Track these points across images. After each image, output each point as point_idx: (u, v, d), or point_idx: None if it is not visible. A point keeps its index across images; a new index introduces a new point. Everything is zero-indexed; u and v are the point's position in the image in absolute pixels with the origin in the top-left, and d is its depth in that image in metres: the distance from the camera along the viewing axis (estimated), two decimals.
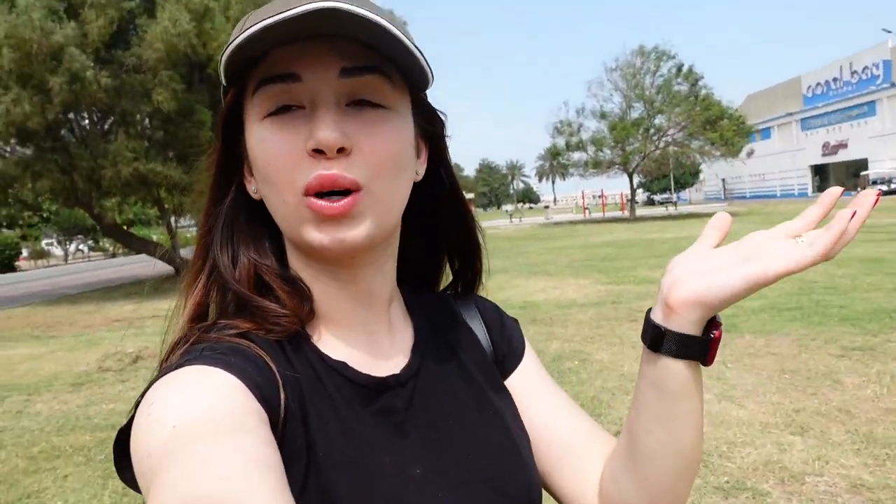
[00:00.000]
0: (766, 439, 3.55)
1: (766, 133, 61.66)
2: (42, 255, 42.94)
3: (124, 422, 0.51)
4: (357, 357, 0.64)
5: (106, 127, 14.48)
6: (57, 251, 47.05)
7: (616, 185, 36.66)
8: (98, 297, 15.46)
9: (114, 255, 44.09)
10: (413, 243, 0.75)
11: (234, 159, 0.64)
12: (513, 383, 0.75)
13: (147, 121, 14.22)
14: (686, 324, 0.58)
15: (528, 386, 0.75)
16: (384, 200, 0.59)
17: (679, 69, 33.14)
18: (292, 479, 0.50)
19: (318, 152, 0.54)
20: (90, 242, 48.63)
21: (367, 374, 0.62)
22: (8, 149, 13.87)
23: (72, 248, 47.43)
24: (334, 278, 0.64)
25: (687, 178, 63.66)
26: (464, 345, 0.73)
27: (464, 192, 0.75)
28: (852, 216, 0.54)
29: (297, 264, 0.65)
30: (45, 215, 33.10)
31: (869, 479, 3.00)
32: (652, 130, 33.40)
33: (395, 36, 0.53)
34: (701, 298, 0.56)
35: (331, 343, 0.64)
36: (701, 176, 68.80)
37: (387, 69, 0.57)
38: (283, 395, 0.54)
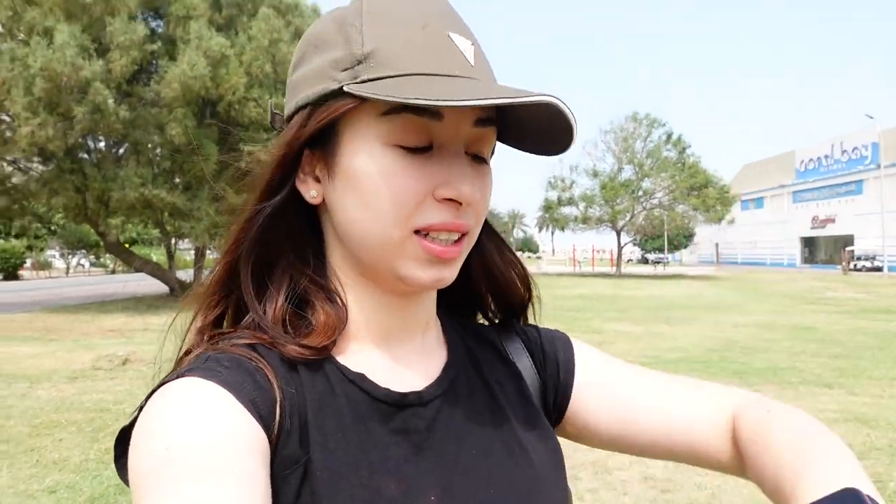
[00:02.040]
0: None
1: (759, 202, 63.37)
2: (45, 266, 44.04)
3: (127, 422, 0.53)
4: (378, 370, 0.61)
5: (120, 153, 15.76)
6: (59, 263, 48.16)
7: (611, 242, 37.96)
8: (95, 308, 16.45)
9: (113, 272, 45.16)
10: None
11: (297, 157, 0.60)
12: (582, 394, 0.73)
13: (157, 150, 15.49)
14: None
15: (598, 390, 0.73)
16: (470, 246, 0.62)
17: (669, 136, 34.90)
18: (285, 495, 0.51)
19: (451, 200, 0.56)
20: (91, 258, 49.76)
21: (386, 389, 0.60)
22: (31, 166, 15.15)
23: (73, 261, 48.56)
24: (381, 302, 0.63)
25: (681, 239, 65.01)
26: (499, 377, 0.70)
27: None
28: None
29: (346, 279, 0.63)
30: (52, 228, 34.38)
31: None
32: (640, 192, 34.91)
33: (574, 133, 0.55)
34: None
35: (351, 354, 0.62)
36: (696, 239, 70.30)
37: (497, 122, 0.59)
38: (278, 412, 0.53)
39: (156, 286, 21.28)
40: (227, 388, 0.51)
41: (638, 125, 35.46)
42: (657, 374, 0.74)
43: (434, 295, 0.68)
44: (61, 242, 44.12)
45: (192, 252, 20.91)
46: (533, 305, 0.78)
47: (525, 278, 0.75)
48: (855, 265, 43.98)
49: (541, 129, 0.58)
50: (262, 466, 0.49)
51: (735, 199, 36.88)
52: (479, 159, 0.60)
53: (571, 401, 0.73)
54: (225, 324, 0.64)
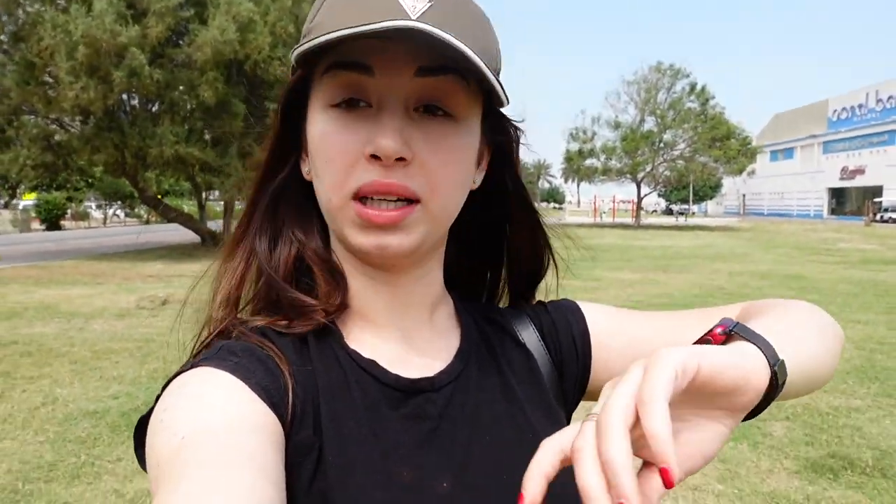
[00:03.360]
0: None
1: (789, 153, 62.54)
2: (83, 216, 45.99)
3: (145, 412, 0.55)
4: (389, 356, 0.62)
5: (153, 110, 16.75)
6: (95, 214, 50.15)
7: (635, 193, 38.30)
8: (133, 256, 17.71)
9: (147, 222, 46.94)
10: (468, 251, 0.74)
11: (294, 136, 0.62)
12: (602, 358, 0.73)
13: (189, 107, 16.43)
14: None
15: (617, 349, 0.73)
16: (436, 216, 0.58)
17: (692, 87, 34.80)
18: (299, 481, 0.53)
19: (376, 158, 0.54)
20: (126, 209, 51.66)
21: (396, 375, 0.61)
22: (71, 124, 16.28)
23: (110, 212, 50.52)
24: (372, 278, 0.63)
25: (707, 190, 64.61)
26: (512, 361, 0.69)
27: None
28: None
29: (339, 253, 0.64)
30: (89, 180, 35.94)
31: None
32: (661, 144, 35.07)
33: (473, 60, 0.50)
34: None
35: (362, 341, 0.63)
36: (722, 190, 69.80)
37: (465, 72, 0.55)
38: (291, 398, 0.54)
39: (188, 235, 22.54)
40: (239, 377, 0.52)
41: (661, 76, 35.44)
42: (666, 314, 0.76)
43: (435, 271, 0.67)
44: (98, 194, 45.97)
45: (222, 204, 22.04)
46: (534, 290, 0.77)
47: (542, 267, 0.75)
48: (881, 216, 43.64)
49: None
50: (276, 452, 0.49)
51: (758, 151, 36.88)
52: (438, 115, 0.57)
53: (593, 368, 0.73)
54: (249, 288, 0.64)
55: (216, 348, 0.57)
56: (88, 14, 12.78)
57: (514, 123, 0.68)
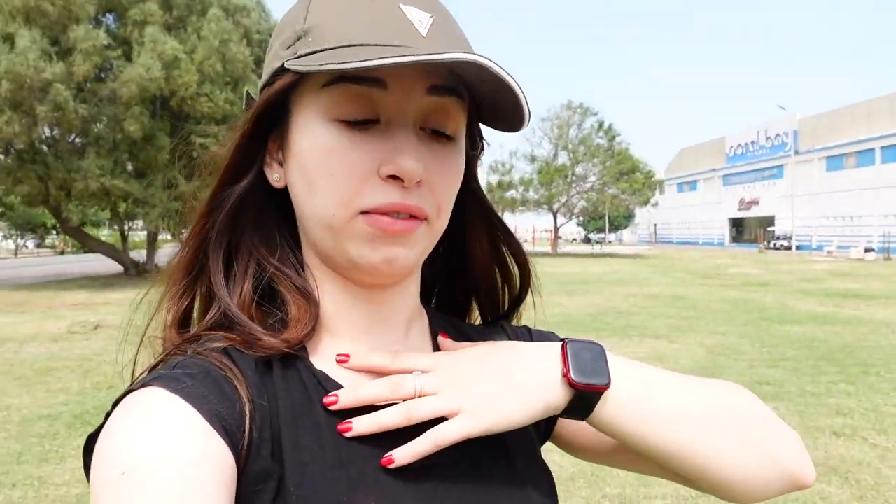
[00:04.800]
0: None
1: (693, 185, 66.82)
2: None
3: (93, 430, 0.52)
4: (358, 377, 0.59)
5: (77, 143, 16.99)
6: (3, 245, 48.13)
7: (561, 223, 40.35)
8: (54, 286, 17.62)
9: (62, 253, 45.48)
10: (441, 263, 0.73)
11: (261, 140, 0.59)
12: None
13: (113, 140, 16.79)
14: None
15: None
16: (435, 235, 0.59)
17: (600, 125, 37.46)
18: None
19: (394, 178, 0.53)
20: (38, 240, 49.86)
21: None
22: None
23: (21, 243, 48.63)
24: (351, 294, 0.61)
25: (620, 220, 68.16)
26: None
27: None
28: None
29: (315, 269, 0.61)
30: (1, 211, 34.81)
31: None
32: (574, 177, 37.42)
33: (514, 90, 0.50)
34: None
35: (330, 359, 0.60)
36: (635, 219, 73.69)
37: (462, 91, 0.55)
38: (247, 425, 0.51)
39: (109, 266, 22.46)
40: (190, 403, 0.49)
41: (572, 113, 37.99)
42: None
43: (414, 285, 0.65)
44: (9, 225, 44.26)
45: (144, 234, 22.15)
46: (515, 305, 0.74)
47: (526, 270, 0.72)
48: (774, 244, 47.54)
49: (497, 101, 0.55)
50: (224, 492, 0.47)
51: (659, 184, 39.92)
52: (441, 136, 0.57)
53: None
54: (195, 314, 0.62)
55: (171, 364, 0.54)
56: (11, 51, 13.12)
57: (483, 140, 0.66)
